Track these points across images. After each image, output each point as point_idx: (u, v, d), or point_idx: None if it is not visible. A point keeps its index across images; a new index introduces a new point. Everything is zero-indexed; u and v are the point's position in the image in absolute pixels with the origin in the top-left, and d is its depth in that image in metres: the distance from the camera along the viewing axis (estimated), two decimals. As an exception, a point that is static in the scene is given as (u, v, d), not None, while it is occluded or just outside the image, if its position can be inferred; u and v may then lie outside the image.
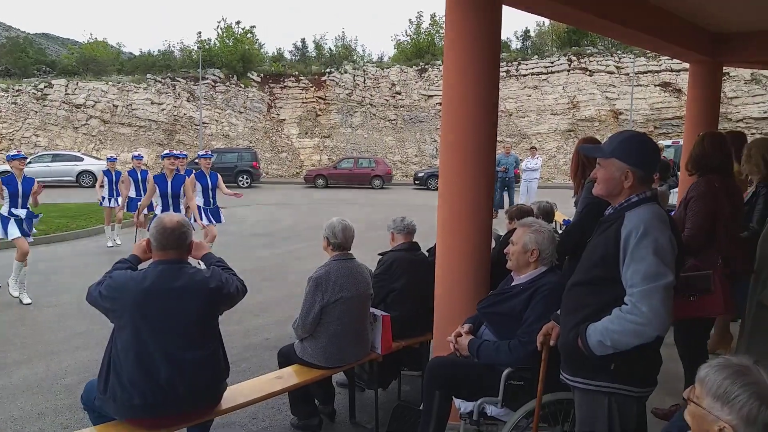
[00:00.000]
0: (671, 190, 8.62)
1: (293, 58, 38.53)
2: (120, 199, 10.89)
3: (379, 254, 4.44)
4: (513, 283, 3.01)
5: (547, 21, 32.48)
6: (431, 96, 31.72)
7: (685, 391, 1.68)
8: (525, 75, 31.23)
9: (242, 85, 33.06)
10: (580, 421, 2.30)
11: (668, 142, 17.46)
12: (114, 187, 11.16)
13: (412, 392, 4.63)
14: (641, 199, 2.23)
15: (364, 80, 33.16)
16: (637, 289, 2.09)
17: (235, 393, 3.37)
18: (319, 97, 32.90)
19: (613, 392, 2.21)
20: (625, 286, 2.14)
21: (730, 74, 26.14)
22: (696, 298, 3.26)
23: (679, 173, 8.78)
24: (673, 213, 3.62)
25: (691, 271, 3.30)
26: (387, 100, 32.59)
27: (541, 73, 31.06)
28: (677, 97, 27.98)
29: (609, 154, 2.28)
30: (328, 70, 33.59)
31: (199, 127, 30.59)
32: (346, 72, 33.33)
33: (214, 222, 8.61)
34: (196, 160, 8.93)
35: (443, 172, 3.62)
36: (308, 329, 3.72)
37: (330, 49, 37.92)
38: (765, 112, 26.66)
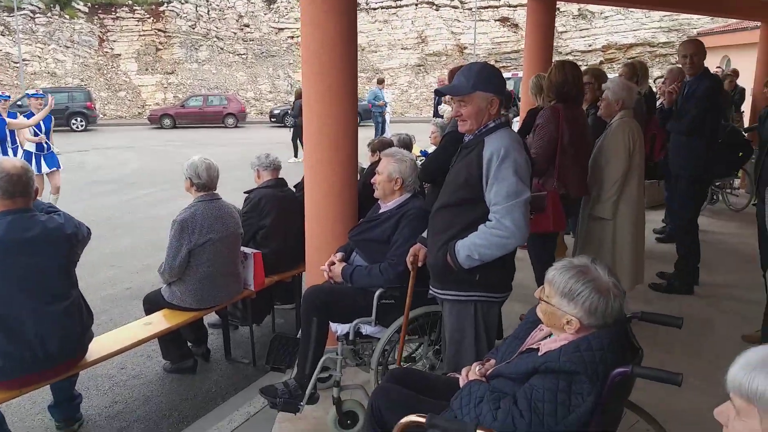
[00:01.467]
0: (513, 119, 9.30)
1: (124, -15, 34.81)
2: None
3: (245, 192, 4.38)
4: (381, 211, 3.15)
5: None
6: (282, 29, 30.56)
7: (536, 291, 1.93)
8: (375, 9, 31.14)
9: (67, 17, 29.36)
10: (451, 328, 2.53)
11: (508, 75, 18.54)
12: None
13: (285, 325, 4.75)
14: (497, 125, 2.40)
15: (208, 11, 31.02)
16: (500, 206, 2.29)
17: (100, 344, 3.24)
18: (159, 30, 30.28)
19: (479, 299, 2.45)
20: (489, 205, 2.34)
21: (560, 10, 28.15)
22: (532, 216, 3.62)
23: (519, 103, 9.48)
24: None
25: (533, 192, 3.65)
26: (235, 33, 30.88)
27: (391, 7, 31.16)
28: (515, 32, 29.69)
29: (471, 88, 2.36)
30: (166, -1, 30.92)
31: (19, 65, 26.90)
32: (187, 2, 30.85)
33: (50, 168, 7.83)
34: (19, 102, 7.90)
35: (306, 107, 3.59)
36: (176, 273, 3.63)
37: (166, -25, 34.76)
38: (590, 46, 29.28)
